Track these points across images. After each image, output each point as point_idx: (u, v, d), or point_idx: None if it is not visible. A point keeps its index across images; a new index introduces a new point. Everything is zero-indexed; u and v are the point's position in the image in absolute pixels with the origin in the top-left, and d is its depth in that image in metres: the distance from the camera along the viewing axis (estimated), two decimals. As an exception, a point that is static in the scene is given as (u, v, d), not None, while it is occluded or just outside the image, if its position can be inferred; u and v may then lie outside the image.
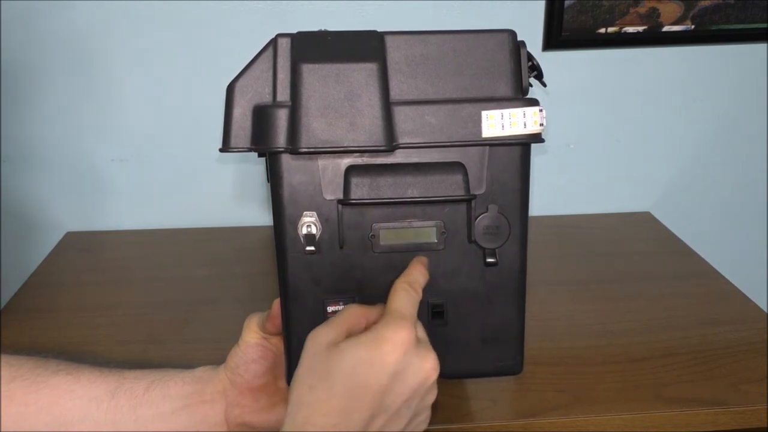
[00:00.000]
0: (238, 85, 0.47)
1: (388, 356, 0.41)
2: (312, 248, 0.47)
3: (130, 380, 0.51)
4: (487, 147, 0.48)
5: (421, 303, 0.50)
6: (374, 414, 0.41)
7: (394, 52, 0.47)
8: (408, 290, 0.45)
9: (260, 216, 1.09)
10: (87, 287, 0.90)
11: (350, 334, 0.44)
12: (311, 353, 0.43)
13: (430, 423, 0.59)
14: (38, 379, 0.50)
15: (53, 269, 0.96)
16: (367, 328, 0.45)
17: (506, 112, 0.47)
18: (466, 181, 0.47)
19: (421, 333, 0.44)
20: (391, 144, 0.46)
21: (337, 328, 0.44)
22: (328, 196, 0.47)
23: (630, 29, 1.00)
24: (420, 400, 0.43)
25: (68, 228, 1.07)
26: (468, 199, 0.48)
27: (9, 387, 0.49)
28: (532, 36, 1.00)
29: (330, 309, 0.49)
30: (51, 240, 1.04)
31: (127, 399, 0.50)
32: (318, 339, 0.43)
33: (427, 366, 0.42)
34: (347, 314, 0.45)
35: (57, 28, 0.96)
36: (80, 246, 1.02)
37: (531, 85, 0.50)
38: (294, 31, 0.47)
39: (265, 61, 0.47)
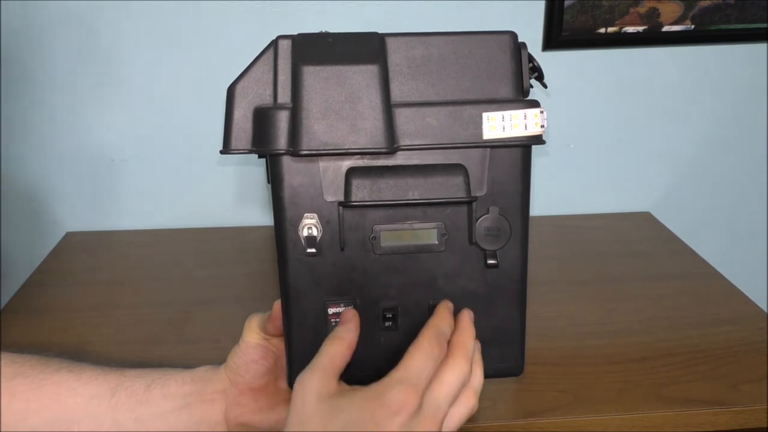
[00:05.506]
0: (239, 86, 0.47)
1: (385, 422, 0.38)
2: (313, 250, 0.47)
3: (131, 379, 0.51)
4: (488, 149, 0.47)
5: (422, 305, 0.50)
6: None
7: (394, 53, 0.47)
8: (431, 347, 0.42)
9: (260, 217, 1.09)
10: (87, 287, 0.90)
11: (338, 375, 0.42)
12: (300, 404, 0.41)
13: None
14: (40, 376, 0.50)
15: (53, 269, 0.96)
16: None
17: (507, 113, 0.47)
18: (467, 183, 0.47)
19: (440, 396, 0.41)
20: (392, 146, 0.46)
21: (324, 374, 0.42)
22: (329, 198, 0.47)
23: (630, 29, 1.00)
24: None
25: (68, 228, 1.07)
26: (469, 201, 0.48)
27: (11, 384, 0.49)
28: (532, 36, 1.00)
29: (331, 311, 0.49)
30: (51, 240, 1.04)
31: (128, 397, 0.50)
32: (307, 388, 0.41)
33: None
34: (331, 354, 0.43)
35: (57, 29, 0.96)
36: (80, 246, 1.03)
37: (532, 87, 0.50)
38: (295, 32, 0.47)
39: (266, 63, 0.47)
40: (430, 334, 0.43)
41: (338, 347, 0.44)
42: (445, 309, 0.46)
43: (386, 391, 0.39)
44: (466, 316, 0.46)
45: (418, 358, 0.41)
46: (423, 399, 0.40)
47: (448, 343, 0.44)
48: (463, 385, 0.43)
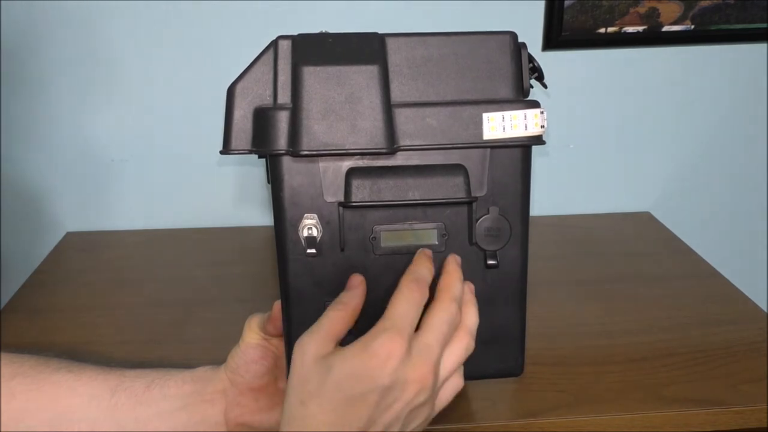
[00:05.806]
0: (239, 87, 0.47)
1: (376, 371, 0.39)
2: (313, 250, 0.47)
3: (131, 379, 0.51)
4: (488, 149, 0.48)
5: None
6: (366, 428, 0.40)
7: (394, 54, 0.47)
8: (411, 292, 0.43)
9: (260, 217, 1.09)
10: (87, 287, 0.90)
11: (338, 339, 0.43)
12: (299, 366, 0.41)
13: (431, 422, 0.59)
14: (39, 376, 0.50)
15: (53, 269, 0.96)
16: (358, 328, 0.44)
17: (507, 114, 0.47)
18: (467, 184, 0.47)
19: (429, 338, 0.42)
20: (392, 146, 0.46)
21: (324, 337, 0.42)
22: (329, 199, 0.47)
23: (630, 29, 1.00)
24: (411, 412, 0.41)
25: (68, 228, 1.07)
26: (469, 202, 0.48)
27: (10, 384, 0.49)
28: (532, 36, 1.00)
29: (331, 311, 0.49)
30: (51, 240, 1.04)
31: (127, 397, 0.50)
32: (305, 350, 0.42)
33: (411, 378, 0.40)
34: (332, 319, 0.43)
35: (57, 29, 0.96)
36: (80, 246, 1.03)
37: (532, 87, 0.50)
38: (295, 32, 0.47)
39: (266, 63, 0.47)
40: (409, 280, 0.44)
41: (340, 312, 0.44)
42: (422, 255, 0.47)
43: (372, 341, 0.40)
44: (452, 261, 0.47)
45: (399, 304, 0.42)
46: (411, 343, 0.41)
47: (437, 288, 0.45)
48: (453, 325, 0.44)
